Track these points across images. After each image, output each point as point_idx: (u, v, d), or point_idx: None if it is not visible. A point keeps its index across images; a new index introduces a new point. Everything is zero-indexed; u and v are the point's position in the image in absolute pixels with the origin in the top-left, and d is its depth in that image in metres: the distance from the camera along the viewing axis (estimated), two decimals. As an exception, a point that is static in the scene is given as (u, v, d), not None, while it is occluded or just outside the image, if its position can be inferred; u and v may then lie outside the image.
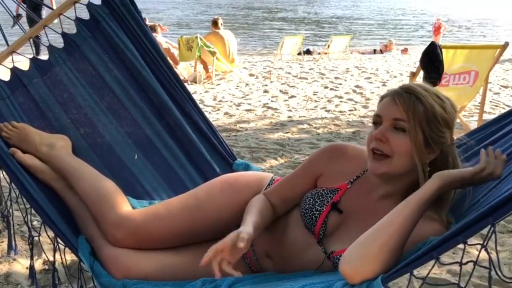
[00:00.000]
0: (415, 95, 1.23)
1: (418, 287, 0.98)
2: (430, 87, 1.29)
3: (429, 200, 1.12)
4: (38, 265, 2.28)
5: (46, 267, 2.24)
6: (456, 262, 0.93)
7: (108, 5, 2.00)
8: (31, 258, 1.80)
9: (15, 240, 2.04)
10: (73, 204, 1.65)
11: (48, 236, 1.61)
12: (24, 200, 1.60)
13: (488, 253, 0.86)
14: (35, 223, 2.33)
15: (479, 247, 0.88)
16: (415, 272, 0.97)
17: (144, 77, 1.98)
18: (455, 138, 1.33)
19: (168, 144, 1.97)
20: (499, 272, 0.88)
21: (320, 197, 1.38)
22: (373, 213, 1.16)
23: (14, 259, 2.31)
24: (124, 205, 1.58)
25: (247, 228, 1.29)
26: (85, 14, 2.01)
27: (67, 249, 1.55)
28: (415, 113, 1.22)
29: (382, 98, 1.31)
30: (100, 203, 1.56)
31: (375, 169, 1.26)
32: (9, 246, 2.06)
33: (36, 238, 1.72)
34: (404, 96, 1.24)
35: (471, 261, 0.89)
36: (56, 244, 1.57)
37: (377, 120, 1.28)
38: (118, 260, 1.45)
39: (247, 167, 1.97)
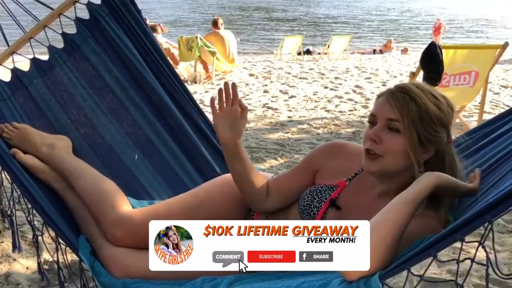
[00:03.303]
0: (409, 95, 1.23)
1: (416, 284, 0.98)
2: (426, 86, 1.29)
3: (425, 197, 1.13)
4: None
5: (46, 266, 2.25)
6: (453, 260, 0.94)
7: (108, 4, 2.00)
8: (38, 256, 1.81)
9: (18, 239, 2.04)
10: (73, 204, 1.65)
11: (50, 235, 1.62)
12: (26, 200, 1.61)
13: (485, 251, 0.87)
14: (35, 223, 2.33)
15: (477, 246, 0.89)
16: (414, 271, 0.98)
17: (144, 77, 1.99)
18: (454, 137, 1.33)
19: (168, 144, 1.97)
20: (496, 270, 0.88)
21: (319, 193, 1.40)
22: (370, 211, 1.17)
23: (14, 259, 2.32)
24: (124, 205, 1.59)
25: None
26: (85, 14, 2.01)
27: (68, 248, 1.56)
28: (409, 113, 1.22)
29: (379, 97, 1.32)
30: (100, 202, 1.57)
31: (367, 167, 1.30)
32: (14, 245, 2.07)
33: (39, 238, 1.72)
34: (398, 95, 1.24)
35: (468, 258, 0.90)
36: (57, 243, 1.58)
37: (372, 119, 1.29)
38: (118, 259, 1.46)
39: (247, 168, 1.96)
